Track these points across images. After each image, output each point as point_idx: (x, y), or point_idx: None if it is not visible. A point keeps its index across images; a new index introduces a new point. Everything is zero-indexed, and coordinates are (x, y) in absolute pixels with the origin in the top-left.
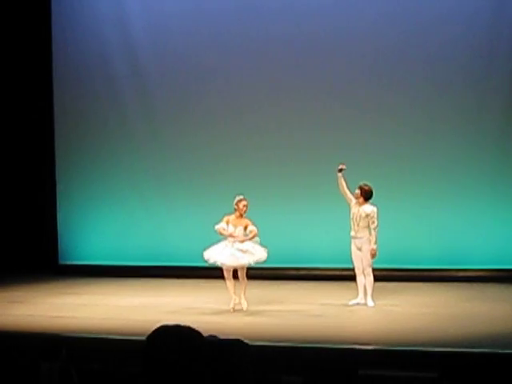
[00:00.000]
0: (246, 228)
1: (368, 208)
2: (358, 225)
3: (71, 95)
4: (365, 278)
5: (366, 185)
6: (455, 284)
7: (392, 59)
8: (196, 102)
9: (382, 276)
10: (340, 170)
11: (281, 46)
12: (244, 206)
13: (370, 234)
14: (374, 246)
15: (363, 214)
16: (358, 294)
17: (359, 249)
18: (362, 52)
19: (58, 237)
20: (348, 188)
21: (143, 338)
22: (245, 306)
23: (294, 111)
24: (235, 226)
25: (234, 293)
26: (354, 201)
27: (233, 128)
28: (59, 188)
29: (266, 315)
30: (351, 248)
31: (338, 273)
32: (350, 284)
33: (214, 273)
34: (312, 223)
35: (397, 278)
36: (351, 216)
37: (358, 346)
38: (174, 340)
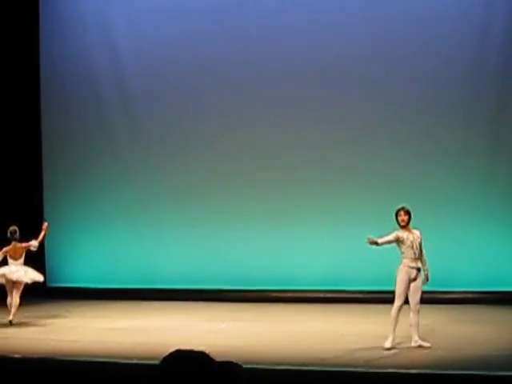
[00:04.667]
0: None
1: (417, 231)
2: (419, 252)
3: (58, 119)
4: (415, 315)
5: (404, 206)
6: (444, 306)
7: (386, 82)
8: (183, 125)
9: (370, 298)
10: (372, 243)
11: (271, 70)
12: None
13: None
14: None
15: (419, 239)
16: (390, 333)
17: (414, 280)
18: (358, 75)
19: (46, 259)
20: (386, 236)
21: (131, 361)
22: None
23: (287, 132)
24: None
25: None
26: (400, 232)
27: (221, 150)
28: (46, 211)
29: (255, 338)
30: (406, 282)
31: (328, 295)
32: (337, 306)
33: (202, 295)
34: (301, 246)
35: (384, 300)
36: (409, 245)
37: (346, 369)
38: (189, 364)
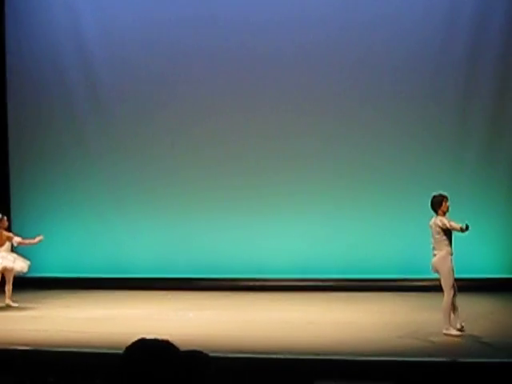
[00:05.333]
0: (9, 239)
1: None
2: None
3: (25, 109)
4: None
5: (444, 193)
6: (411, 293)
7: (359, 72)
8: (153, 114)
9: (336, 286)
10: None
11: (241, 56)
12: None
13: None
14: None
15: None
16: (447, 324)
17: None
18: (330, 65)
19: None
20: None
21: (99, 350)
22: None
23: (260, 121)
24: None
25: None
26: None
27: (192, 139)
28: (14, 201)
29: (223, 326)
30: (453, 265)
31: (297, 283)
32: (306, 294)
33: (171, 284)
34: (271, 234)
35: (354, 288)
36: (450, 232)
37: (313, 357)
38: (152, 353)
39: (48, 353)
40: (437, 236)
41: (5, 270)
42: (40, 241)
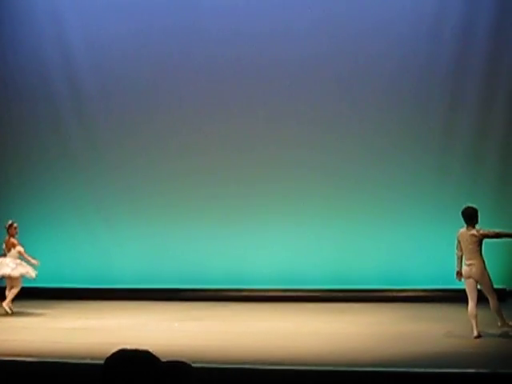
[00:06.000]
0: (13, 246)
1: None
2: None
3: (10, 120)
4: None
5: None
6: (395, 304)
7: (347, 84)
8: (138, 125)
9: (323, 297)
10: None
11: (230, 67)
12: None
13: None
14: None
15: None
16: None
17: None
18: (319, 77)
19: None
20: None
21: (83, 361)
22: (8, 311)
23: (241, 130)
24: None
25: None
26: None
27: (175, 150)
28: None
29: (208, 337)
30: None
31: (282, 294)
32: (291, 305)
33: (157, 295)
34: (256, 245)
35: (339, 299)
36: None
37: (299, 367)
38: (132, 364)
39: (31, 363)
40: (471, 246)
41: (3, 276)
42: (35, 264)
